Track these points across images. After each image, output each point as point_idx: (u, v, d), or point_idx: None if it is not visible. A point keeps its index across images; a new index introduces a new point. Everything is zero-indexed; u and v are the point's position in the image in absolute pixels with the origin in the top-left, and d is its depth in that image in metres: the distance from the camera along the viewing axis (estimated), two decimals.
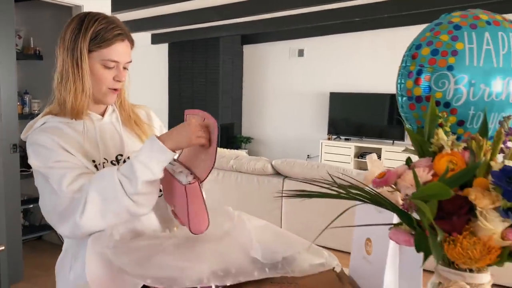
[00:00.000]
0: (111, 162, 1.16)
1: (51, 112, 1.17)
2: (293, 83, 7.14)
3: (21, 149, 3.14)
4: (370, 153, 5.04)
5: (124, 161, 1.17)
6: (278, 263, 1.06)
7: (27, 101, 3.56)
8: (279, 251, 1.09)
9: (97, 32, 1.10)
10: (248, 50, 7.55)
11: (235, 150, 4.57)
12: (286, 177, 3.75)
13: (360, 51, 6.48)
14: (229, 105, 7.40)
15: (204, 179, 1.05)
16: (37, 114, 3.61)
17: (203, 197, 1.05)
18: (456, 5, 4.26)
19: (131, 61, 1.17)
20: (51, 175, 1.06)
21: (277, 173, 3.81)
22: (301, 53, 7.00)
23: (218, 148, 4.50)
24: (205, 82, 7.29)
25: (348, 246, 1.14)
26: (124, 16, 4.61)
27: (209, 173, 1.04)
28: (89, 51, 1.11)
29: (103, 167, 1.13)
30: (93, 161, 1.13)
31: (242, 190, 3.95)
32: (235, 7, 4.93)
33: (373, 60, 6.37)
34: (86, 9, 3.21)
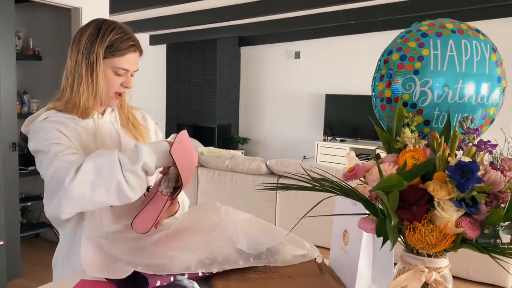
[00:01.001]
0: None
1: (55, 108, 1.23)
2: (290, 85, 7.22)
3: (19, 148, 3.21)
4: (365, 154, 5.14)
5: None
6: (262, 253, 1.13)
7: (26, 101, 3.63)
8: (263, 242, 1.17)
9: (113, 41, 1.18)
10: (246, 51, 7.63)
11: (231, 150, 4.64)
12: (280, 176, 3.83)
13: (356, 53, 6.57)
14: (226, 106, 7.48)
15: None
16: None
17: (161, 210, 1.13)
18: (449, 9, 4.35)
19: (138, 70, 1.26)
20: (48, 150, 1.11)
21: (271, 172, 3.89)
22: (297, 55, 7.08)
23: (215, 149, 4.58)
24: (202, 83, 7.37)
25: None
26: (123, 18, 4.68)
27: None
28: (103, 58, 1.18)
29: None
30: None
31: (237, 189, 4.02)
32: (233, 9, 5.01)
33: (368, 63, 6.45)
34: (85, 11, 3.28)
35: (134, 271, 0.97)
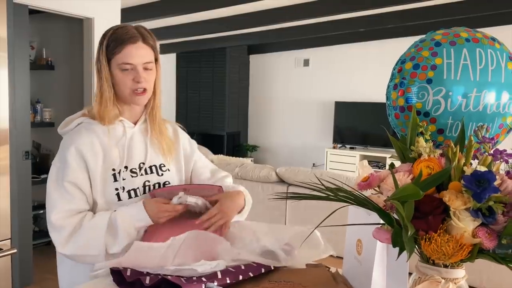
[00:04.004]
0: (131, 170, 1.24)
1: (89, 114, 1.26)
2: (299, 92, 7.23)
3: (32, 156, 3.24)
4: (375, 161, 5.13)
5: (145, 170, 1.26)
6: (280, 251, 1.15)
7: (38, 110, 3.67)
8: (280, 239, 1.19)
9: (112, 39, 1.20)
10: (255, 59, 7.66)
11: (241, 158, 4.65)
12: (290, 184, 3.82)
13: (365, 61, 6.56)
14: (236, 114, 7.50)
15: None
16: (48, 123, 3.68)
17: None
18: (457, 16, 4.33)
19: (151, 62, 1.22)
20: (59, 187, 1.19)
21: (281, 180, 3.88)
22: (306, 62, 7.09)
23: (225, 156, 4.59)
24: (211, 91, 7.41)
25: None
26: None
27: None
28: (108, 60, 1.20)
29: (119, 174, 1.22)
30: (113, 169, 1.22)
31: None
32: (242, 18, 5.04)
33: (377, 70, 6.44)
34: (97, 21, 3.33)
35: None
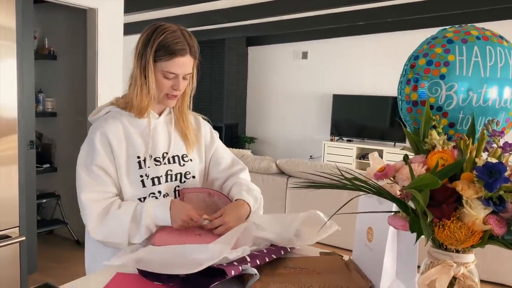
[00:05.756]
0: (155, 158, 1.29)
1: (117, 103, 1.32)
2: (297, 85, 7.26)
3: (36, 146, 3.26)
4: None
5: (168, 159, 1.32)
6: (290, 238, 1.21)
7: (41, 100, 3.69)
8: (287, 229, 1.25)
9: (162, 44, 1.22)
10: (253, 51, 7.68)
11: (240, 150, 4.69)
12: (290, 176, 3.87)
13: (363, 54, 6.60)
14: (234, 106, 7.53)
15: None
16: (51, 113, 3.70)
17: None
18: (455, 11, 4.37)
19: (191, 73, 1.30)
20: (88, 171, 1.24)
21: (281, 172, 3.93)
22: (305, 55, 7.13)
23: None
24: (210, 83, 7.42)
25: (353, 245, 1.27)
26: (135, 18, 4.74)
27: None
28: (154, 61, 1.24)
29: (145, 162, 1.27)
30: (138, 157, 1.27)
31: None
32: (241, 10, 5.05)
33: (375, 63, 6.49)
34: (100, 11, 3.33)
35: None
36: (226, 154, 1.49)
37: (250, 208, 1.34)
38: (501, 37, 1.01)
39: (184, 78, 1.28)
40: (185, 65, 1.26)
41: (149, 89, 1.25)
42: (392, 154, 6.03)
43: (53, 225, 3.77)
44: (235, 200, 1.33)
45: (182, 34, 1.26)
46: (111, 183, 1.25)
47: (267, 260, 1.10)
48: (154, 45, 1.22)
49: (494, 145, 0.88)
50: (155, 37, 1.23)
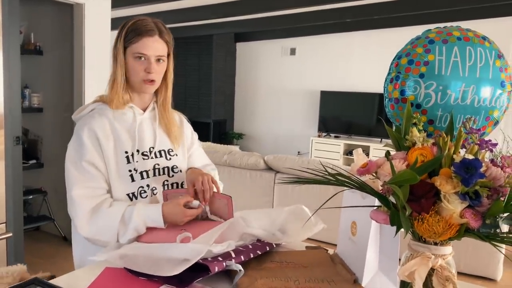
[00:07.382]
0: (143, 153, 1.31)
1: (102, 99, 1.33)
2: (285, 81, 7.30)
3: (22, 142, 3.23)
4: None
5: (155, 153, 1.34)
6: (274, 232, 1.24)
7: (27, 95, 3.65)
8: (273, 223, 1.28)
9: (131, 29, 1.26)
10: (241, 47, 7.68)
11: (228, 146, 4.71)
12: (277, 172, 3.90)
13: (351, 51, 6.66)
14: (222, 102, 7.53)
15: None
16: (37, 108, 3.66)
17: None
18: (442, 9, 4.44)
19: (164, 56, 1.30)
20: (77, 168, 1.25)
21: (269, 168, 3.96)
22: (293, 51, 7.16)
23: (212, 143, 4.64)
24: (198, 79, 7.41)
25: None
26: (122, 13, 4.71)
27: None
28: (125, 48, 1.27)
29: (133, 157, 1.29)
30: (126, 152, 1.28)
31: (235, 184, 4.09)
32: (229, 5, 5.06)
33: (363, 60, 6.55)
34: (87, 7, 3.31)
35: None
36: (203, 156, 1.54)
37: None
38: (484, 38, 1.05)
39: (157, 60, 1.28)
40: (154, 46, 1.26)
41: (117, 75, 1.27)
42: (379, 150, 6.11)
43: (40, 222, 3.75)
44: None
45: (152, 21, 1.29)
46: (102, 178, 1.26)
47: (252, 256, 1.12)
48: (124, 32, 1.26)
49: (473, 143, 0.91)
50: (123, 26, 1.27)
